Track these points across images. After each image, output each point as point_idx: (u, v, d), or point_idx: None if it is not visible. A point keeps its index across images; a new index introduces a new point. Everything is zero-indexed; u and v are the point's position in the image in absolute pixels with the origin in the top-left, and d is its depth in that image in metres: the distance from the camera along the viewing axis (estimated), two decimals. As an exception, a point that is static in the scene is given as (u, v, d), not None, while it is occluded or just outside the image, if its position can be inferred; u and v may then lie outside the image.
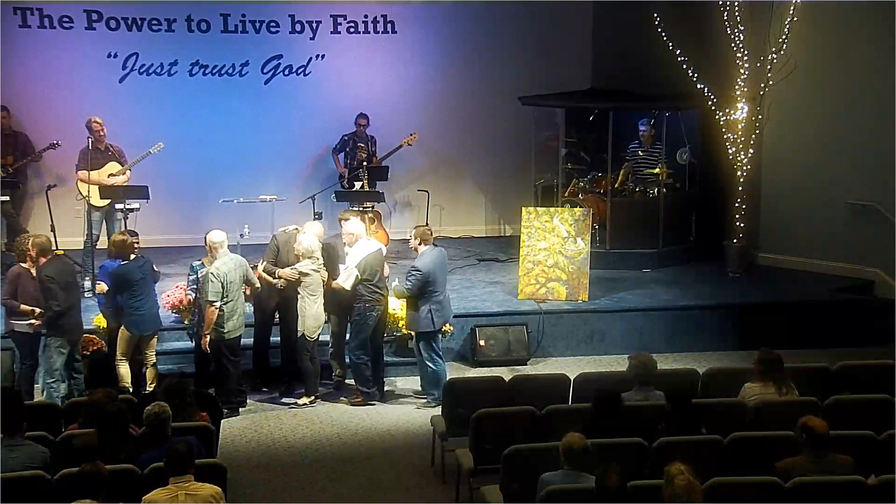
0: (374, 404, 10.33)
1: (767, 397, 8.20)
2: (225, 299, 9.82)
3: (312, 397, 10.37)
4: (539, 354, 11.61)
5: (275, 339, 10.76)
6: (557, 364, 11.19)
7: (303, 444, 9.56)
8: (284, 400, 10.45)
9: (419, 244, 10.33)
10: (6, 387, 8.45)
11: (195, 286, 10.32)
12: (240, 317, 10.09)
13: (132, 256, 10.01)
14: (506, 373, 10.30)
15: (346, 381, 10.69)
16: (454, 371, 11.04)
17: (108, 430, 7.21)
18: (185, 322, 10.84)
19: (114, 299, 9.99)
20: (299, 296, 10.19)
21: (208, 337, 9.84)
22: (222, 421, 8.97)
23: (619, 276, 12.87)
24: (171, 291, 10.95)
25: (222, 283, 9.79)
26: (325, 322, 10.44)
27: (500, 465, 7.45)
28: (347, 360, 10.59)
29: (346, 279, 10.24)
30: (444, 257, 10.54)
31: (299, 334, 10.19)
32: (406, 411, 10.25)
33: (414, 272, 10.16)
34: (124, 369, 9.89)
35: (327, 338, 10.64)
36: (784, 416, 7.68)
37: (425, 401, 10.35)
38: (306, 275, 10.14)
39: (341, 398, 10.50)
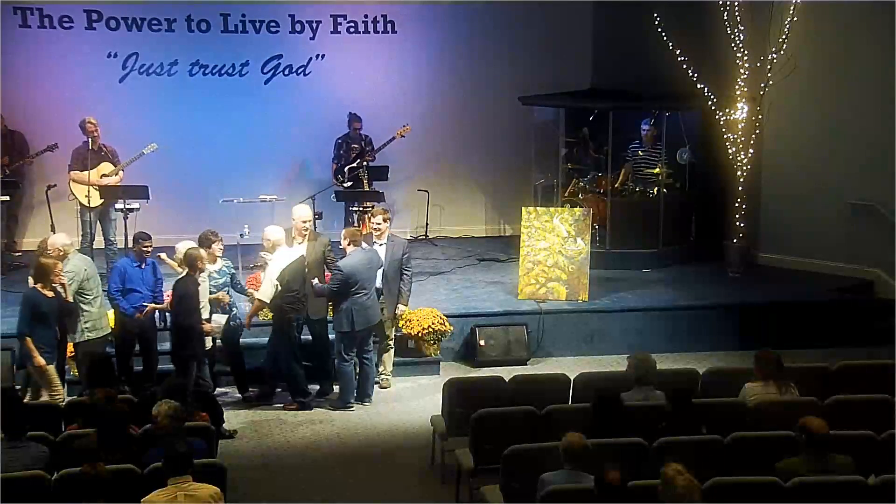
0: (311, 410, 10.23)
1: (767, 397, 8.20)
2: (89, 296, 9.64)
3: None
4: (539, 354, 11.61)
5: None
6: (557, 364, 11.18)
7: (303, 444, 9.56)
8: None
9: (348, 245, 10.24)
10: (6, 387, 8.43)
11: (225, 287, 10.22)
12: (104, 317, 9.86)
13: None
14: (506, 373, 10.27)
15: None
16: (454, 371, 11.05)
17: (108, 430, 7.22)
18: None
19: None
20: None
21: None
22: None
23: (619, 276, 12.87)
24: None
25: (80, 281, 9.56)
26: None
27: (500, 465, 7.45)
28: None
29: (265, 293, 10.13)
30: (371, 259, 10.33)
31: None
32: (406, 411, 10.25)
33: (336, 272, 10.13)
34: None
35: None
36: (784, 416, 7.68)
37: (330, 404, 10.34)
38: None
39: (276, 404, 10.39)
